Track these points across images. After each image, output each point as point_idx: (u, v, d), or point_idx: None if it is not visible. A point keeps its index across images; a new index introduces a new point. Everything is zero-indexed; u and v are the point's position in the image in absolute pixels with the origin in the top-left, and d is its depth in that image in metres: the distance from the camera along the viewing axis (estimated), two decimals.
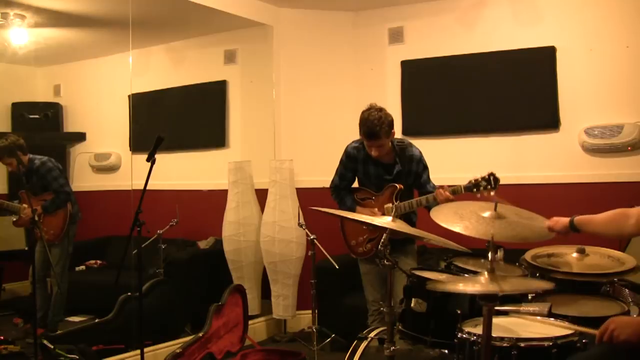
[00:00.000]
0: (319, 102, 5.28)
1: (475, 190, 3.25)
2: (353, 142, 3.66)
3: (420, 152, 3.58)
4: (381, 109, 3.39)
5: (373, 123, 3.31)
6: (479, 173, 3.29)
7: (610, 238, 2.63)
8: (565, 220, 2.40)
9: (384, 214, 3.44)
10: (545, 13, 4.52)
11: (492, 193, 3.21)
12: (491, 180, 3.23)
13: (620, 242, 3.72)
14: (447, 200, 3.23)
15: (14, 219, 4.53)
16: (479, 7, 4.78)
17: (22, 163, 4.40)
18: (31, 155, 4.58)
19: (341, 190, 3.71)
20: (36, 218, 3.74)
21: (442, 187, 3.35)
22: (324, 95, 5.28)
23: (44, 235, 4.17)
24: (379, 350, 2.66)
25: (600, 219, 2.32)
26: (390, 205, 3.46)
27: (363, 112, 3.40)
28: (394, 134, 3.48)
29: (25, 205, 4.37)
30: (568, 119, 4.43)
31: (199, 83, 5.65)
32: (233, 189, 5.01)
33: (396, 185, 3.48)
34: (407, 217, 3.53)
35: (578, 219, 2.38)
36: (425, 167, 3.58)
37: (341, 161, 3.69)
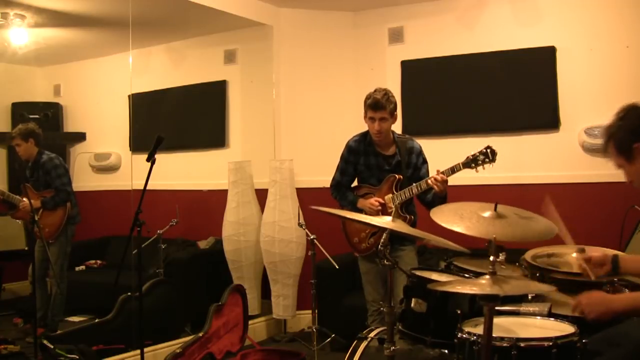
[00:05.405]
0: (319, 102, 5.28)
1: (473, 165, 3.23)
2: (354, 136, 3.68)
3: (421, 147, 3.60)
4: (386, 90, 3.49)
5: (379, 94, 3.42)
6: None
7: None
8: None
9: (384, 208, 3.45)
10: (545, 13, 4.52)
11: (491, 166, 3.18)
12: (489, 154, 3.20)
13: (620, 242, 3.72)
14: (442, 182, 3.22)
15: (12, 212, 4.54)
16: (479, 7, 4.78)
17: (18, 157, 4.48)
18: (41, 149, 4.59)
19: (342, 186, 3.71)
20: (36, 217, 3.74)
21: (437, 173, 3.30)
22: (324, 95, 5.28)
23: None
24: (379, 350, 2.66)
25: None
26: (391, 195, 3.48)
27: (368, 93, 3.50)
28: (396, 117, 3.50)
29: (24, 199, 4.37)
30: (568, 119, 4.43)
31: (199, 83, 5.65)
32: (233, 189, 5.01)
33: (395, 175, 3.50)
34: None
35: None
36: (425, 162, 3.59)
37: (342, 156, 3.70)
